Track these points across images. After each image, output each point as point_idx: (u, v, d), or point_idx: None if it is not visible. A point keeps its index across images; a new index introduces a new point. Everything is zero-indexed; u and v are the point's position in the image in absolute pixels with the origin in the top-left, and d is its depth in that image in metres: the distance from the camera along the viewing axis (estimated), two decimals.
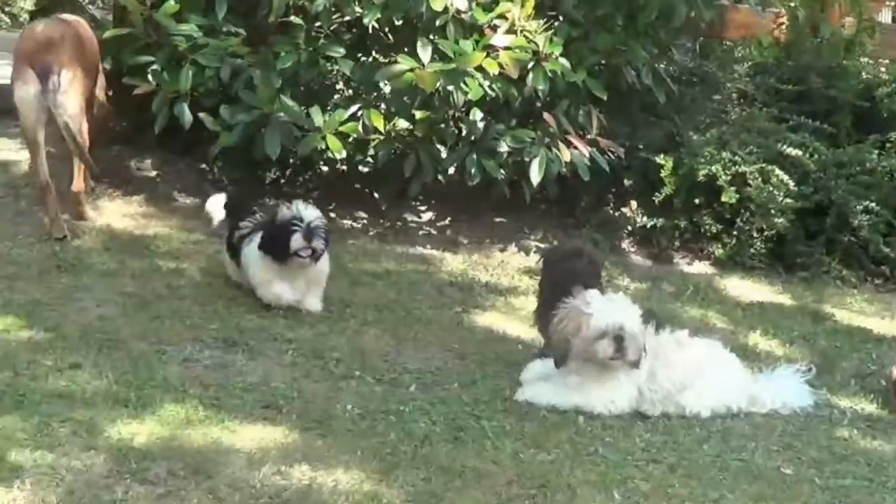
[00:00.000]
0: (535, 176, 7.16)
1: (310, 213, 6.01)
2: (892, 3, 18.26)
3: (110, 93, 7.69)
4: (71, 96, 6.85)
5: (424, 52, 6.91)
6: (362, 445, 4.68)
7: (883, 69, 9.31)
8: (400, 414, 5.06)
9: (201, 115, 7.15)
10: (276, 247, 5.97)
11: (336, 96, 7.82)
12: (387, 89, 7.45)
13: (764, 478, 4.82)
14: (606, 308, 5.24)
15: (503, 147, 7.29)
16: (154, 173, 8.16)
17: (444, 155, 7.42)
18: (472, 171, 7.26)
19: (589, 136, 7.43)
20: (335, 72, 7.71)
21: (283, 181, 8.15)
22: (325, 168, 8.17)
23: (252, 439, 4.60)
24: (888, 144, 8.56)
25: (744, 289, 7.62)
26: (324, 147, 7.09)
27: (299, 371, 5.43)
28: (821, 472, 4.91)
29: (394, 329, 6.17)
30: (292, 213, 5.99)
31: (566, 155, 7.21)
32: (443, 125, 7.34)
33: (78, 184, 7.14)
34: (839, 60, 9.17)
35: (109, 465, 4.28)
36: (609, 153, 7.57)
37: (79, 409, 4.71)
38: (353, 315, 6.30)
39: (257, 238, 6.07)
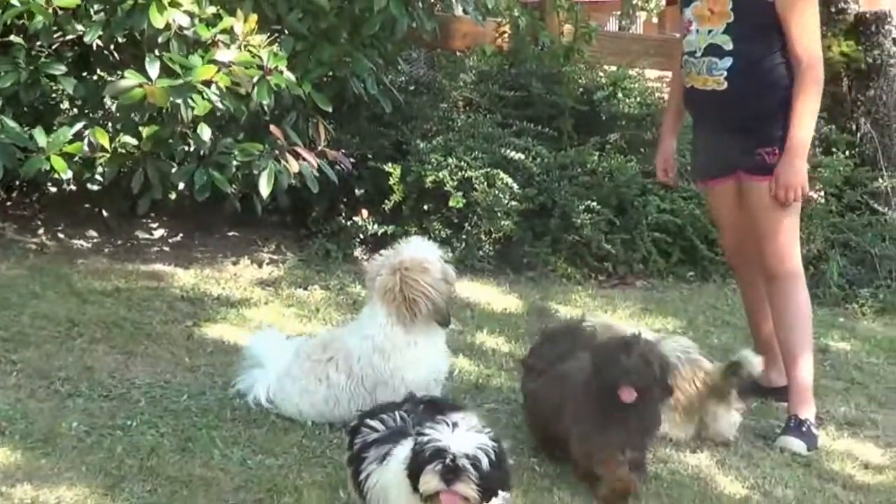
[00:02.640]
0: (265, 188, 7.17)
1: (463, 441, 3.83)
2: (618, 13, 19.01)
3: None
4: None
5: (152, 68, 6.82)
6: (88, 461, 4.66)
7: (602, 74, 9.62)
8: (127, 428, 5.04)
9: None
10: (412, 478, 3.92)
11: (62, 115, 7.72)
12: (113, 107, 7.37)
13: None
14: None
15: (232, 161, 7.27)
16: None
17: (173, 171, 7.36)
18: (202, 185, 7.22)
19: (318, 148, 7.50)
20: (60, 91, 7.60)
21: (9, 203, 8.01)
22: (53, 189, 8.06)
23: None
24: (608, 146, 8.91)
25: (473, 291, 7.76)
26: (48, 168, 6.93)
27: (24, 392, 5.35)
28: None
29: (123, 345, 6.12)
30: (432, 437, 3.85)
31: (294, 166, 7.23)
32: (171, 141, 7.28)
33: None
34: (559, 67, 9.46)
35: None
36: (340, 165, 7.67)
37: None
38: (81, 334, 6.21)
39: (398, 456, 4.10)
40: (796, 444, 5.69)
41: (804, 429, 5.75)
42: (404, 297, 5.23)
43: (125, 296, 6.92)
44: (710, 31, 5.71)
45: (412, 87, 9.00)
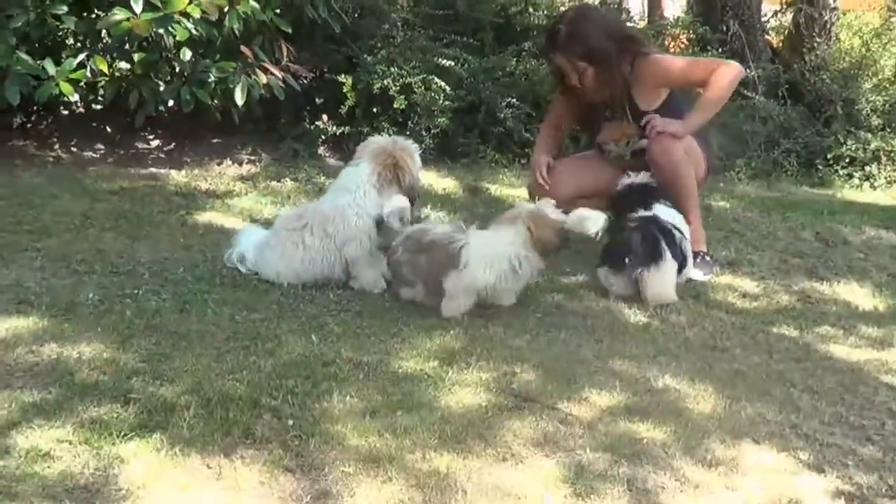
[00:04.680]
0: (240, 99, 7.08)
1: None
2: None
3: None
4: None
5: (136, 4, 6.68)
6: (102, 324, 4.60)
7: None
8: (135, 296, 4.99)
9: None
10: None
11: (67, 49, 7.57)
12: (109, 39, 7.23)
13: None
14: None
15: (211, 78, 7.14)
16: None
17: (162, 89, 7.24)
18: (186, 100, 7.12)
19: (282, 64, 7.39)
20: (65, 28, 7.44)
21: (29, 125, 7.90)
22: (65, 111, 7.94)
23: (7, 329, 4.46)
24: (523, 52, 8.82)
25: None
26: (58, 92, 6.80)
27: (48, 272, 5.27)
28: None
29: (128, 232, 6.05)
30: None
31: (263, 80, 7.15)
32: (158, 64, 7.17)
33: None
34: None
35: None
36: (302, 77, 7.59)
37: None
38: (94, 225, 6.14)
39: None
40: (696, 273, 5.82)
41: (699, 259, 5.86)
42: (395, 161, 5.23)
43: (129, 194, 6.84)
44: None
45: (358, 13, 8.84)
